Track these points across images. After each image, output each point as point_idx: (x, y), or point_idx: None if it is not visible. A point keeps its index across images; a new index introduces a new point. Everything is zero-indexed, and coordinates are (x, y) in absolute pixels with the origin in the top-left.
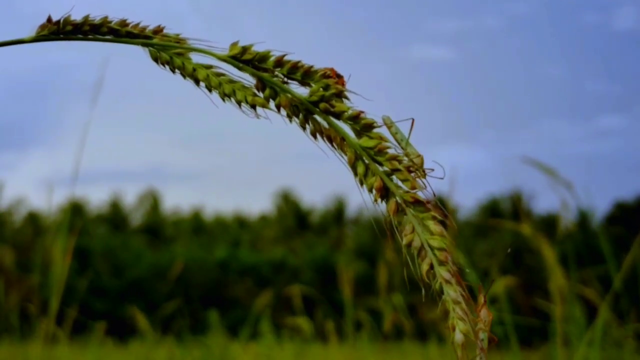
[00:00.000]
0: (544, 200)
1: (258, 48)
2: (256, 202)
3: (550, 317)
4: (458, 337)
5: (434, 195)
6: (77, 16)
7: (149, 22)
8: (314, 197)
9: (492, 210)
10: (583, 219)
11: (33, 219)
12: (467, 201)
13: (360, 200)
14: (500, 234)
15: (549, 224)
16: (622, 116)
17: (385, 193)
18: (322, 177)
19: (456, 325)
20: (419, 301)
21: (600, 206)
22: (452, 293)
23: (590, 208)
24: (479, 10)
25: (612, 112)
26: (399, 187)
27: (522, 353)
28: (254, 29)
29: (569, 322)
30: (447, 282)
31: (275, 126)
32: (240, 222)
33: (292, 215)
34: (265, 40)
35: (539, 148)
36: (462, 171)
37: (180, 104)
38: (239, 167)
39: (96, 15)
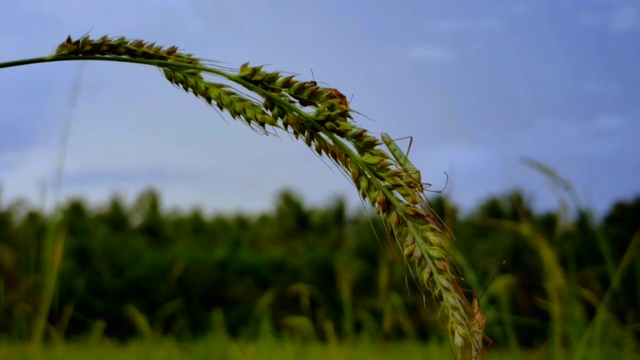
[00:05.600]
0: (544, 200)
1: (267, 69)
2: (256, 202)
3: (550, 316)
4: (458, 340)
5: (430, 206)
6: (78, 17)
7: (149, 21)
8: (314, 196)
9: (492, 210)
10: (582, 219)
11: (33, 219)
12: (467, 201)
13: (360, 200)
14: (500, 234)
15: (548, 224)
16: (622, 116)
17: (387, 206)
18: (322, 177)
19: (455, 330)
20: (420, 301)
21: (599, 206)
22: (451, 299)
23: (589, 208)
24: (477, 10)
25: (611, 112)
26: (399, 200)
27: (521, 353)
28: (253, 29)
29: (568, 322)
30: (446, 289)
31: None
32: (241, 222)
33: (292, 215)
34: (264, 40)
35: (538, 148)
36: (462, 171)
37: (181, 104)
38: (239, 167)
39: (113, 36)
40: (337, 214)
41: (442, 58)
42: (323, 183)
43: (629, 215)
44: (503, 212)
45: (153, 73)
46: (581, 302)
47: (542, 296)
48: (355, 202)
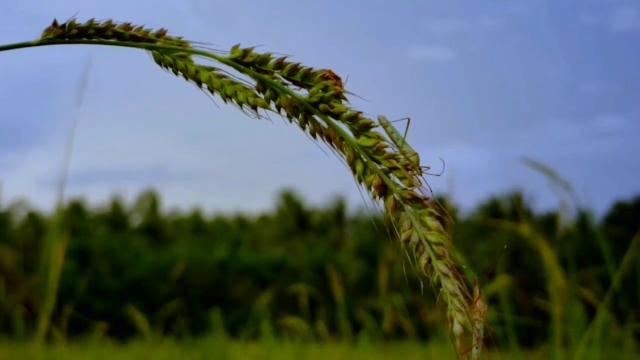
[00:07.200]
0: (544, 200)
1: (258, 51)
2: (256, 202)
3: (550, 317)
4: (456, 327)
5: (432, 191)
6: (78, 17)
7: (149, 21)
8: (314, 196)
9: (492, 210)
10: (582, 219)
11: (33, 219)
12: (467, 201)
13: (360, 200)
14: (500, 234)
15: (548, 224)
16: (622, 116)
17: (383, 190)
18: (322, 177)
19: (454, 317)
20: (420, 301)
21: (599, 206)
22: (450, 286)
23: (589, 208)
24: (477, 10)
25: (611, 112)
26: (396, 184)
27: (521, 353)
28: (252, 28)
29: (569, 322)
30: (445, 275)
31: (276, 126)
32: (241, 222)
33: (292, 215)
34: (264, 40)
35: (538, 148)
36: (462, 171)
37: (181, 103)
38: (239, 167)
39: (101, 19)
40: (337, 214)
41: (442, 58)
42: (323, 183)
43: (629, 215)
44: (503, 212)
45: (153, 72)
46: (581, 302)
47: (542, 296)
48: (356, 202)
